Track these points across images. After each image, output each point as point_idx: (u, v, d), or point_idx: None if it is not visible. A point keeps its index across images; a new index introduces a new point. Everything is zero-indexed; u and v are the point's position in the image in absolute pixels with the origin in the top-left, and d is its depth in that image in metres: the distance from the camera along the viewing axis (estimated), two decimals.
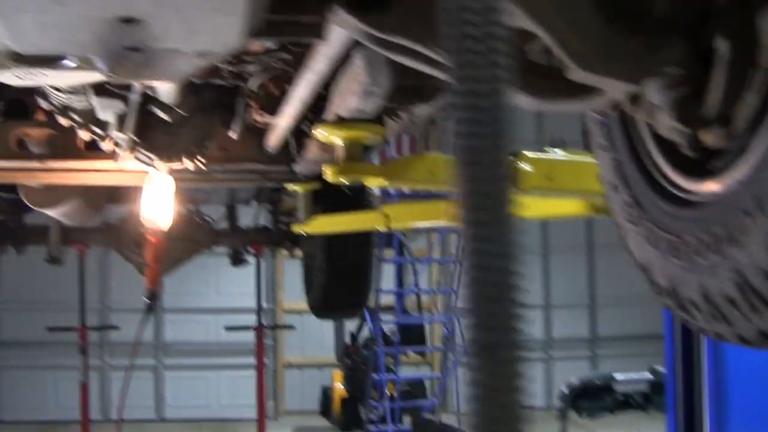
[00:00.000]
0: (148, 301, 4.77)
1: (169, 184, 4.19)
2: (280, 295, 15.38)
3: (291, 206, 6.58)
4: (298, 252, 7.52)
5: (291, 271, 12.56)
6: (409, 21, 1.91)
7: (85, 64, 2.09)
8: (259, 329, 9.22)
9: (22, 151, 4.32)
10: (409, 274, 13.23)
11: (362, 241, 6.51)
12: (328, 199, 5.66)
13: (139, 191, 6.45)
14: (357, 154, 3.22)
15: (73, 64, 2.13)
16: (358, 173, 3.24)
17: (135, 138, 3.68)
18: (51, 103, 3.74)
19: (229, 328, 11.54)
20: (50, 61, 2.10)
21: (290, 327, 12.46)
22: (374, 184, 3.28)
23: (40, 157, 4.29)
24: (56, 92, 3.56)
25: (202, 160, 3.87)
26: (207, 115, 3.80)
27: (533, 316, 16.66)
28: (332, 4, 1.89)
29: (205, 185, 5.05)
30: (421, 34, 1.92)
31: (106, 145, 3.91)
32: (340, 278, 6.62)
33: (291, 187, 5.46)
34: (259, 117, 3.94)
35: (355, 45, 2.54)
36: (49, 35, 1.81)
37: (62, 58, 2.11)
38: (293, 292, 13.61)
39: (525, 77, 1.91)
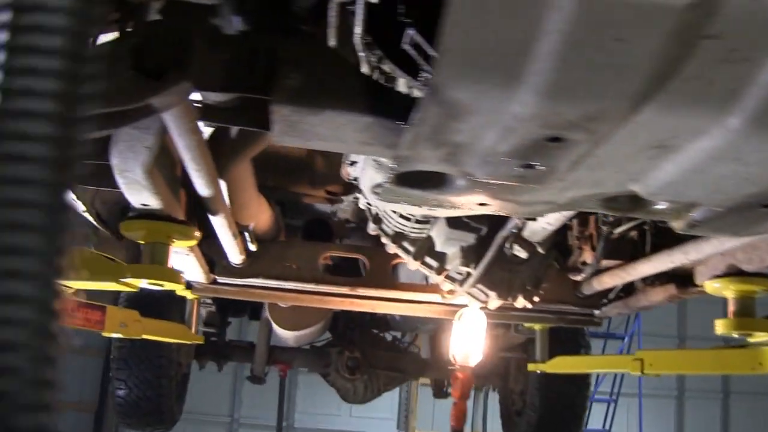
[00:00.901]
0: None
1: (482, 320, 4.08)
2: (413, 422, 15.09)
3: (505, 342, 6.42)
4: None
5: (424, 398, 12.34)
6: None
7: (678, 213, 1.98)
8: None
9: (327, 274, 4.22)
10: None
11: (581, 381, 6.32)
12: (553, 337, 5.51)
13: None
14: (748, 308, 3.11)
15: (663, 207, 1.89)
16: (750, 328, 3.12)
17: (481, 274, 3.52)
18: (381, 229, 3.59)
19: None
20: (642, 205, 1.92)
21: None
22: (761, 338, 3.15)
23: (350, 283, 4.20)
24: (401, 219, 3.42)
25: (537, 299, 3.71)
26: (547, 253, 3.64)
27: None
28: None
29: (503, 321, 4.85)
30: None
31: (436, 278, 3.75)
32: (554, 417, 6.40)
33: (527, 325, 5.28)
34: (590, 259, 3.82)
35: None
36: (709, 187, 1.68)
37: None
38: (425, 420, 13.35)
39: None
